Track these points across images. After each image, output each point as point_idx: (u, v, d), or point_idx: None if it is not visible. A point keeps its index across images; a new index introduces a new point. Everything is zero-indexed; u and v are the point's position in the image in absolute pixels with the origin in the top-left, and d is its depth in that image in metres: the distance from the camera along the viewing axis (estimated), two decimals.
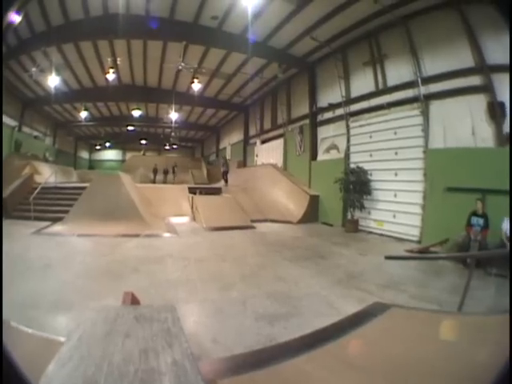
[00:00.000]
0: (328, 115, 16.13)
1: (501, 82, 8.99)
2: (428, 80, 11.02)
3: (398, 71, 12.23)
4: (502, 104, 8.91)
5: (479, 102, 9.53)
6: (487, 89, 9.29)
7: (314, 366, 3.38)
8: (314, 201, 15.65)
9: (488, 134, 9.32)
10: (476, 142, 9.54)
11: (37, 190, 13.38)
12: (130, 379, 1.63)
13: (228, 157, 29.85)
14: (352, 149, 14.31)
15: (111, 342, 2.01)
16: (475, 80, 9.65)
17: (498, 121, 9.03)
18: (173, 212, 15.05)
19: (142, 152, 43.86)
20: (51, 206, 13.34)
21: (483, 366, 3.19)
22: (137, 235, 10.61)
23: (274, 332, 4.41)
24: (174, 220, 14.28)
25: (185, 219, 14.71)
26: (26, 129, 23.57)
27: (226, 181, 22.29)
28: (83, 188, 14.01)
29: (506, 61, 8.46)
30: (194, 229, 12.95)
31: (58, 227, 11.29)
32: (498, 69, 8.98)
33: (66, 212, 12.43)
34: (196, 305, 5.45)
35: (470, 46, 9.72)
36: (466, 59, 9.83)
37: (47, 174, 16.98)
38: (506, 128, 8.85)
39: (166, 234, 11.37)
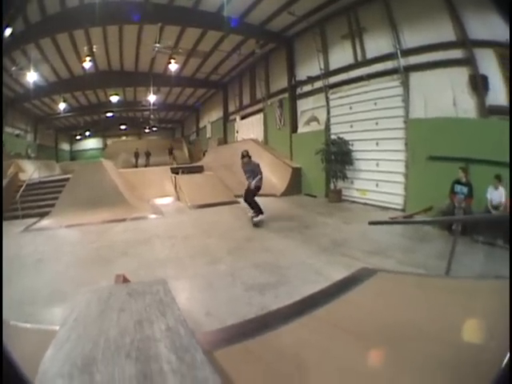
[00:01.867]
0: (307, 88, 16.04)
1: (483, 56, 9.02)
2: (408, 52, 10.97)
3: (376, 44, 12.15)
4: (484, 77, 8.98)
5: (460, 74, 9.56)
6: (469, 62, 9.29)
7: (306, 332, 3.46)
8: (297, 173, 15.73)
9: (470, 105, 9.39)
10: (457, 113, 9.61)
11: (22, 188, 13.18)
12: (126, 349, 1.72)
13: (208, 135, 29.69)
14: (332, 120, 14.35)
15: (106, 319, 2.10)
16: (456, 53, 9.64)
17: (481, 93, 9.08)
18: (157, 194, 15.03)
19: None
20: (38, 201, 13.20)
21: (472, 328, 3.29)
22: (123, 220, 10.64)
23: (265, 301, 4.54)
24: (159, 201, 14.32)
25: (169, 199, 14.76)
26: (8, 129, 23.10)
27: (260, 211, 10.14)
28: (67, 179, 13.84)
29: (489, 36, 8.62)
30: (178, 208, 13.07)
31: (45, 221, 11.22)
32: (481, 44, 9.00)
33: (53, 205, 12.33)
34: (186, 281, 5.59)
35: (452, 21, 9.64)
36: (447, 33, 9.77)
37: (31, 171, 16.83)
38: (489, 100, 8.93)
39: (152, 216, 11.43)
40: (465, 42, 9.34)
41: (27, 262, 7.01)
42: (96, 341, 1.80)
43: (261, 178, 10.10)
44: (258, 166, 10.31)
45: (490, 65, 8.88)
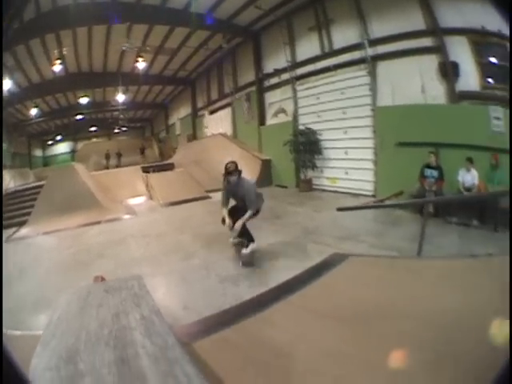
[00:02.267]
0: (274, 80, 16.15)
1: (455, 43, 9.23)
2: (376, 42, 11.12)
3: (344, 34, 12.26)
4: (454, 64, 9.18)
5: (430, 61, 9.74)
6: (439, 50, 9.46)
7: (282, 317, 3.59)
8: (266, 165, 15.79)
9: (439, 92, 9.61)
10: (426, 100, 9.84)
11: None
12: (105, 339, 1.92)
13: (178, 131, 29.59)
14: (300, 111, 14.50)
15: (86, 314, 2.30)
16: (426, 42, 9.80)
17: (451, 79, 9.29)
18: (130, 194, 15.01)
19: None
20: (16, 210, 12.90)
21: (446, 306, 3.44)
22: (98, 222, 10.62)
23: (239, 291, 4.70)
24: (132, 201, 14.31)
25: (142, 199, 14.77)
26: None
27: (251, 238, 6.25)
28: (41, 186, 13.70)
29: (461, 24, 8.90)
30: (151, 207, 13.13)
31: (23, 230, 11.08)
32: (452, 31, 9.19)
33: (30, 214, 12.21)
34: (162, 277, 5.72)
35: (422, 9, 9.78)
36: (416, 22, 9.91)
37: (7, 181, 16.58)
38: (460, 86, 9.18)
39: (126, 216, 11.45)
40: (435, 30, 9.49)
41: (11, 271, 6.92)
42: (78, 335, 1.98)
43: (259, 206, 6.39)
44: (253, 188, 6.37)
45: (461, 51, 9.08)
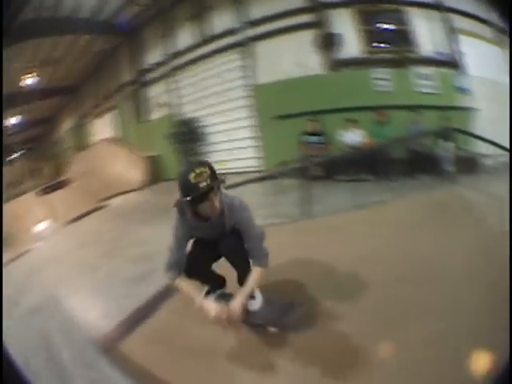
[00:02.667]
0: (154, 75, 16.24)
1: (337, 14, 9.97)
2: (254, 23, 11.55)
3: (222, 20, 12.57)
4: (332, 34, 9.89)
5: (307, 35, 10.35)
6: (319, 24, 10.10)
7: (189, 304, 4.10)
8: (152, 161, 15.66)
9: (316, 63, 10.33)
10: (306, 72, 10.46)
11: None
12: (37, 347, 2.82)
13: (67, 144, 28.54)
14: (181, 101, 14.79)
15: (23, 335, 3.07)
16: (305, 18, 10.36)
17: (330, 50, 10.03)
18: (34, 220, 14.64)
19: None
20: None
21: (340, 259, 4.07)
22: (12, 260, 10.35)
23: (147, 288, 5.04)
24: (38, 227, 14.05)
25: (45, 223, 14.33)
26: None
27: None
28: None
29: None
30: (53, 229, 13.03)
31: None
32: (329, 5, 9.98)
33: None
34: (74, 297, 5.65)
35: None
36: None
37: None
38: (343, 55, 10.03)
39: (35, 245, 11.38)
40: (315, 6, 10.09)
41: None
42: (25, 347, 2.75)
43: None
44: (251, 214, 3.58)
45: (345, 22, 9.92)
